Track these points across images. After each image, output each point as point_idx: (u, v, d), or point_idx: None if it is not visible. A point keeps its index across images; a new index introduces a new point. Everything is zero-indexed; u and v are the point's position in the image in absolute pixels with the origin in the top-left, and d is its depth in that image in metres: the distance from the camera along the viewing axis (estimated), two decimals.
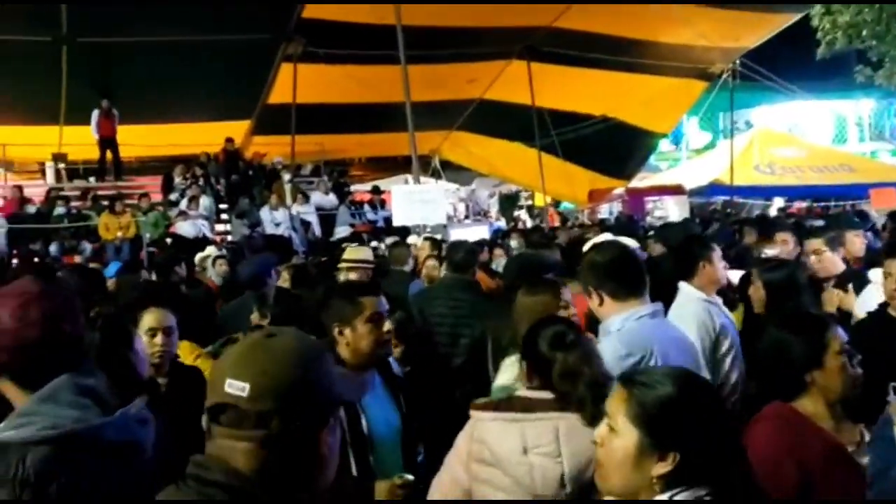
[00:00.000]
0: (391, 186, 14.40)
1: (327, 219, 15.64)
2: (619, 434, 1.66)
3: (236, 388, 1.29)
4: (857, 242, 5.28)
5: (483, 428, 2.46)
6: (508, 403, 2.49)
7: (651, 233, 8.83)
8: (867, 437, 2.35)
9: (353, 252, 5.90)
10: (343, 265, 5.64)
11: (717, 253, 4.06)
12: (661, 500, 1.61)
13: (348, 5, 12.92)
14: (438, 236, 9.23)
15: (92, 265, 8.87)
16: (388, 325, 2.82)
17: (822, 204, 18.79)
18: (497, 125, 18.96)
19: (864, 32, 18.35)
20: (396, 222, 11.51)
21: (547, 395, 2.44)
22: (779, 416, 2.36)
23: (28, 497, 1.57)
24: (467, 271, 5.04)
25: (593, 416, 2.23)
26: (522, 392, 2.52)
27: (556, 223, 17.63)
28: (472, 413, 2.53)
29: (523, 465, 2.35)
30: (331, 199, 16.26)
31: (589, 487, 2.28)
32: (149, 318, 3.29)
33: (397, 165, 21.02)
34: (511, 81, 16.73)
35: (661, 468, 1.61)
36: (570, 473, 2.34)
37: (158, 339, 3.27)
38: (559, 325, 2.59)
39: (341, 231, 14.72)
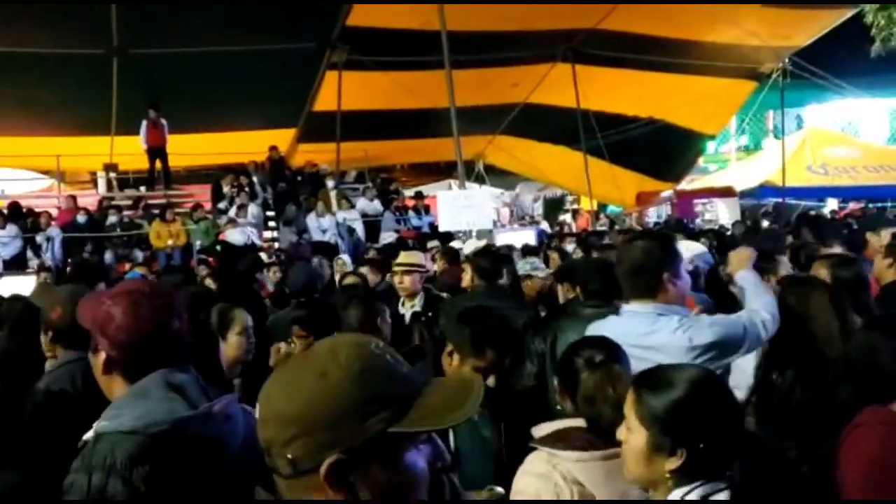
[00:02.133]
0: (436, 192, 14.40)
1: (372, 225, 15.70)
2: (633, 433, 1.82)
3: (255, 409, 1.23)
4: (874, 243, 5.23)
5: (572, 469, 2.17)
6: (582, 439, 2.23)
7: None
8: None
9: (406, 256, 5.89)
10: (397, 269, 5.62)
11: (782, 264, 4.04)
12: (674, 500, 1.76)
13: (392, 12, 12.95)
14: (481, 242, 9.15)
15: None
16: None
17: (879, 205, 18.23)
18: (541, 128, 18.83)
19: None
20: (442, 228, 11.51)
21: (579, 421, 2.30)
22: (887, 421, 2.31)
23: (116, 485, 1.67)
24: (496, 278, 4.87)
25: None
26: (572, 423, 2.31)
27: (589, 226, 17.45)
28: (547, 450, 2.22)
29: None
30: (375, 206, 16.32)
31: None
32: (242, 318, 3.47)
33: (441, 171, 21.08)
34: (555, 84, 16.60)
35: (672, 464, 1.75)
36: None
37: (251, 338, 3.49)
38: (594, 346, 2.46)
39: (386, 237, 14.74)
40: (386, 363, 1.20)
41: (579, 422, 2.30)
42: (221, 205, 15.59)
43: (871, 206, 18.61)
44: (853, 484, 2.26)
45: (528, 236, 13.08)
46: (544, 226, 18.80)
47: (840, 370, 2.66)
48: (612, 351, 2.43)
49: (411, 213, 16.62)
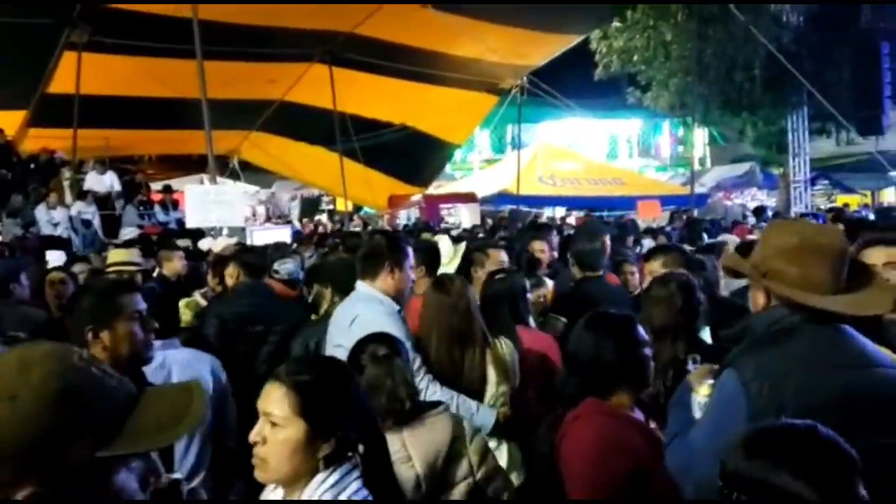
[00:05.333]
0: (185, 186, 13.87)
1: (112, 219, 14.74)
2: (283, 427, 1.77)
3: None
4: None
5: None
6: None
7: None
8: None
9: (119, 255, 5.58)
10: (110, 269, 5.36)
11: (490, 259, 4.58)
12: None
13: None
14: (232, 240, 9.07)
15: None
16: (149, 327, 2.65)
17: (597, 214, 20.47)
18: (298, 128, 18.85)
19: (635, 58, 20.27)
20: (190, 224, 11.10)
21: None
22: (600, 412, 2.50)
23: None
24: (262, 276, 5.02)
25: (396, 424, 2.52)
26: None
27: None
28: None
29: None
30: (105, 181, 15.27)
31: (440, 485, 2.50)
32: None
33: (192, 165, 20.25)
34: (313, 84, 16.73)
35: (327, 449, 1.78)
36: (424, 473, 2.50)
37: None
38: (381, 340, 2.70)
39: (127, 233, 13.93)
40: (91, 377, 1.10)
41: None
42: None
43: (591, 214, 20.84)
44: (574, 474, 2.43)
45: (284, 235, 13.09)
46: (298, 226, 18.85)
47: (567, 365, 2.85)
48: (392, 345, 2.70)
49: (157, 207, 15.87)
